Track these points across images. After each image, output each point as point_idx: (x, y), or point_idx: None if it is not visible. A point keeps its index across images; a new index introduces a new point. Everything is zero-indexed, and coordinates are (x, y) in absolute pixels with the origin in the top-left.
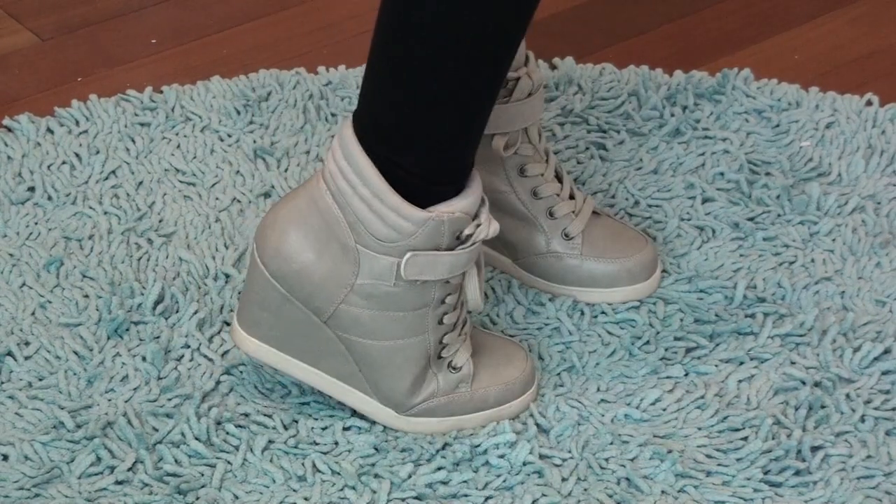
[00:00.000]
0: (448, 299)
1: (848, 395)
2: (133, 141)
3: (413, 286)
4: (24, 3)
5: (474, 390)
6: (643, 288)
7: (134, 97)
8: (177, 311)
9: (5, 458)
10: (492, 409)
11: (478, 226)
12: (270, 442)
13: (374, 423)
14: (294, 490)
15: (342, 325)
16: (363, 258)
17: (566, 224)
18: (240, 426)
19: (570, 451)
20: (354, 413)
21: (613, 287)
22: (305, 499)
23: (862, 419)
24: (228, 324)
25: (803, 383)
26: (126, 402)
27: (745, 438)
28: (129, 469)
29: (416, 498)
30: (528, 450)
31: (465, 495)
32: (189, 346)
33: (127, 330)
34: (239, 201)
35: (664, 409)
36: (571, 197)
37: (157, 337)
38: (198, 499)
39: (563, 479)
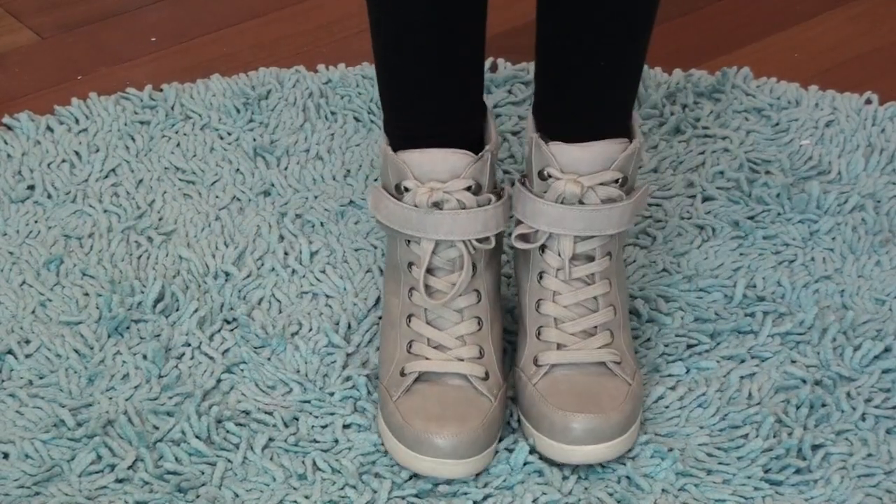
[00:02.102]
0: (414, 271)
1: (848, 394)
2: (133, 139)
3: (385, 229)
4: (25, 1)
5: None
6: (569, 451)
7: (134, 95)
8: (177, 310)
9: (6, 456)
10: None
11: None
12: (271, 440)
13: (374, 421)
14: (294, 488)
15: None
16: None
17: (542, 350)
18: (240, 424)
19: None
20: (355, 411)
21: (538, 432)
22: (306, 497)
23: (862, 417)
24: (229, 322)
25: (804, 382)
26: (127, 400)
27: (746, 437)
28: (130, 467)
29: (416, 496)
30: (529, 449)
31: (465, 494)
32: (189, 345)
33: (127, 328)
34: (239, 199)
35: (667, 407)
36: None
37: (158, 335)
38: (198, 497)
39: (564, 478)
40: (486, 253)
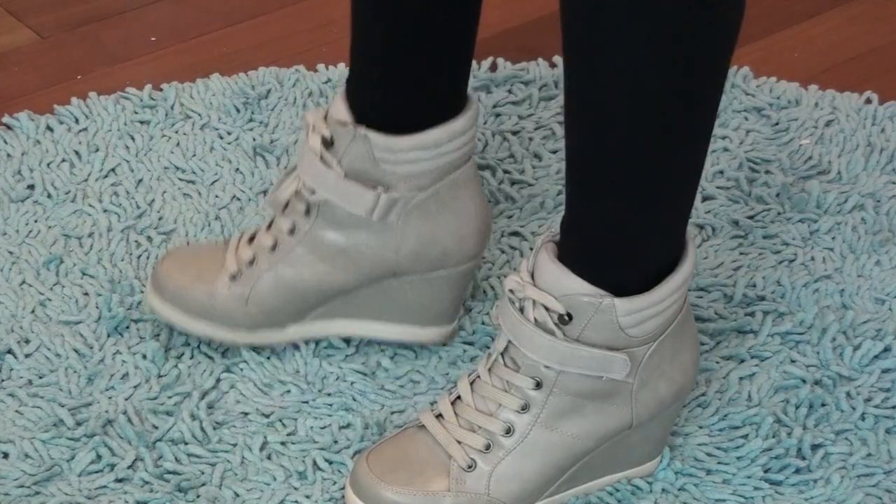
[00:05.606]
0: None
1: (848, 393)
2: (133, 139)
3: None
4: (25, 0)
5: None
6: None
7: (133, 95)
8: None
9: (5, 455)
10: None
11: None
12: (269, 440)
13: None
14: (295, 488)
15: None
16: None
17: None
18: (239, 424)
19: None
20: (355, 411)
21: None
22: (307, 496)
23: (862, 417)
24: None
25: (803, 381)
26: (126, 399)
27: (746, 436)
28: (130, 467)
29: None
30: None
31: None
32: (189, 344)
33: (127, 328)
34: (238, 199)
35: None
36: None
37: (158, 335)
38: (198, 497)
39: None
40: (316, 222)
